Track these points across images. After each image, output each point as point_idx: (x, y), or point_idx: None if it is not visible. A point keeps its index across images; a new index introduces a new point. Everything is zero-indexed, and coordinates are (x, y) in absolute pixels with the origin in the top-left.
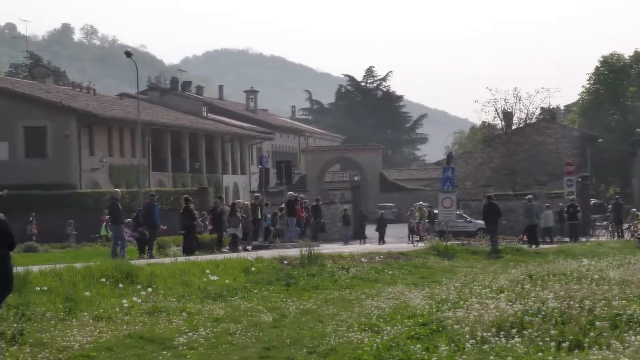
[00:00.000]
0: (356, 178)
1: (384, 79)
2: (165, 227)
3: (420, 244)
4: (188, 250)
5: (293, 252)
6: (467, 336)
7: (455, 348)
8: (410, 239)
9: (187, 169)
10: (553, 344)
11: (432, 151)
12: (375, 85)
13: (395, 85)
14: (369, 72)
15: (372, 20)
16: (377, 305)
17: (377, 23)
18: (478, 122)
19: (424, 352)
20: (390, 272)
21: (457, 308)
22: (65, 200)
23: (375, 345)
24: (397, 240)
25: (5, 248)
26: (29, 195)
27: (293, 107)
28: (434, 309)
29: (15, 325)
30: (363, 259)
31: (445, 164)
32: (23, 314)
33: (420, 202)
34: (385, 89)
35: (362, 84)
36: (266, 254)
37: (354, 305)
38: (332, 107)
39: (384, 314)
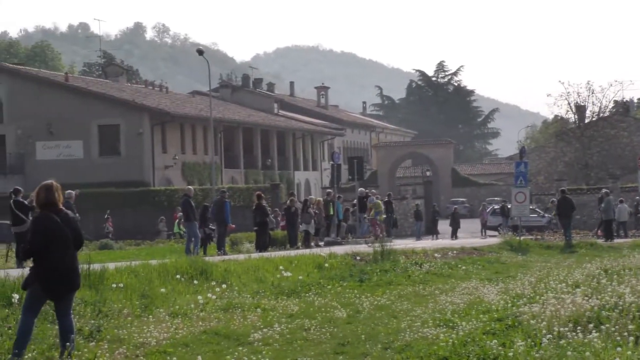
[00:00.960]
0: (428, 173)
1: (455, 73)
2: (234, 225)
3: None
4: (261, 246)
5: (365, 248)
6: (544, 331)
7: (532, 343)
8: (483, 234)
9: (259, 165)
10: (631, 338)
11: (504, 146)
12: (446, 80)
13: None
14: (440, 66)
15: (443, 14)
16: (451, 301)
17: (448, 17)
18: (550, 116)
19: (500, 348)
20: (463, 268)
21: (533, 303)
22: (139, 198)
23: (450, 340)
24: (470, 235)
25: (73, 246)
26: (103, 193)
27: (364, 102)
28: (509, 304)
29: (92, 321)
30: (436, 255)
31: (517, 159)
32: (100, 311)
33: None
34: (456, 84)
35: (433, 78)
36: (339, 250)
37: (428, 301)
38: (403, 102)
39: (459, 310)
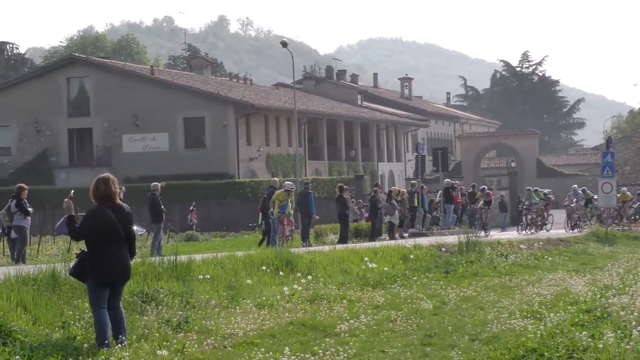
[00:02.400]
0: (513, 164)
1: (539, 63)
2: (318, 217)
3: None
4: (344, 238)
5: (451, 239)
6: (634, 323)
7: (622, 335)
8: (568, 225)
9: (342, 157)
10: None
11: (590, 136)
12: (530, 70)
13: (551, 70)
14: (524, 56)
15: (527, 3)
16: (538, 292)
17: (531, 7)
18: (637, 106)
19: (589, 339)
20: (549, 259)
21: (622, 294)
22: (224, 190)
23: (538, 332)
24: (555, 226)
25: (125, 240)
26: (188, 185)
27: (448, 93)
28: (597, 296)
29: (180, 312)
30: (522, 246)
31: (604, 149)
32: (187, 302)
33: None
34: (541, 74)
35: (518, 69)
36: (424, 241)
37: (514, 292)
38: (487, 93)
39: (546, 301)
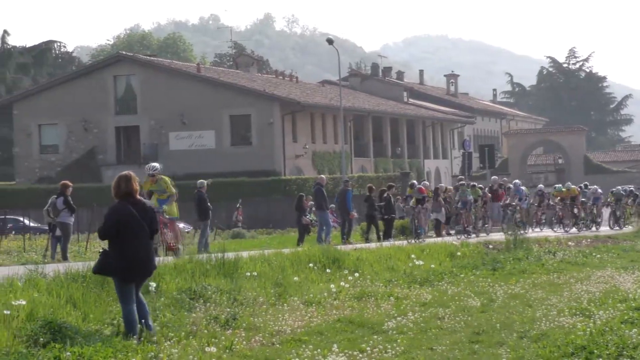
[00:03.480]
0: (560, 161)
1: (586, 59)
2: (356, 214)
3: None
4: (387, 235)
5: (498, 236)
6: None
7: None
8: (612, 223)
9: (388, 154)
10: None
11: (638, 132)
12: (577, 66)
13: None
14: (571, 53)
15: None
16: (586, 290)
17: (578, 2)
18: None
19: (639, 337)
20: (598, 256)
21: None
22: (270, 187)
23: (588, 329)
24: (604, 223)
25: (149, 235)
26: (234, 182)
27: (494, 90)
28: None
29: (228, 309)
30: (570, 243)
31: None
32: (235, 299)
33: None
34: (588, 70)
35: (564, 65)
36: (470, 238)
37: (562, 290)
38: (534, 89)
39: (595, 298)
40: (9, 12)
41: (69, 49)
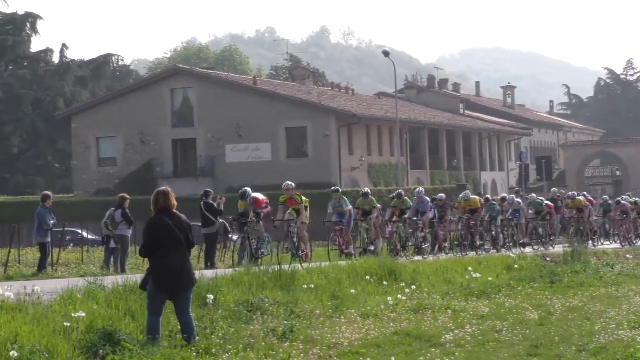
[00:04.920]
0: (617, 173)
1: None
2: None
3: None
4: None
5: (555, 249)
6: None
7: None
8: None
9: (444, 166)
10: None
11: None
12: (635, 77)
13: None
14: (629, 64)
15: (631, 10)
16: None
17: (636, 13)
18: None
19: None
20: None
21: None
22: (326, 199)
23: None
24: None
25: (186, 248)
26: None
27: (551, 101)
28: None
29: (285, 322)
30: (628, 255)
31: None
32: (292, 311)
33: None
34: None
35: (622, 76)
36: (527, 251)
37: (621, 303)
38: (591, 100)
39: None
40: (68, 26)
41: (127, 62)
